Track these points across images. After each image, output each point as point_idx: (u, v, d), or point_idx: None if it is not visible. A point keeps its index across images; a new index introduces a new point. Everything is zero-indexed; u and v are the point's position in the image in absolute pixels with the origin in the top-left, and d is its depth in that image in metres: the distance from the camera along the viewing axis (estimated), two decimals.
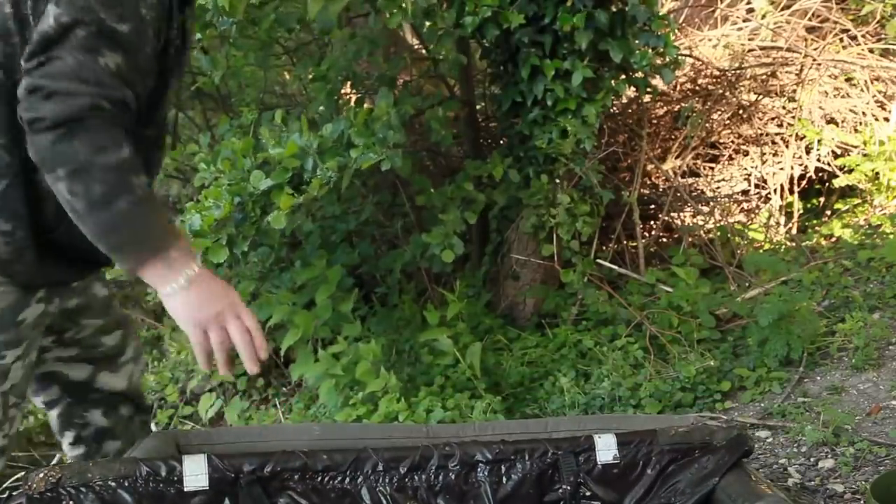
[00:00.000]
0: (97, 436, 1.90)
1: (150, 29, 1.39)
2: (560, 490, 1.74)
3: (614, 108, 4.04)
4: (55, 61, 1.30)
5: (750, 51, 4.68)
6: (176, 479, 1.58)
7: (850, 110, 4.48)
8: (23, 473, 1.57)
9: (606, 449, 1.75)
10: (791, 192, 4.40)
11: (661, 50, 3.11)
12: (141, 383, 1.96)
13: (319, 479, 1.66)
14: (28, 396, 1.74)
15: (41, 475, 1.52)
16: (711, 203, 4.35)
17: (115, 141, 1.32)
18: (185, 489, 1.58)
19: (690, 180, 4.49)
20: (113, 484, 1.54)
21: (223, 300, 1.41)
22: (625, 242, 3.87)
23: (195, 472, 1.59)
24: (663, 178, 4.32)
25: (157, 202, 1.40)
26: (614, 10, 3.01)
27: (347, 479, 1.68)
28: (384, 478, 1.69)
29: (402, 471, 1.70)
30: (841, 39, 4.60)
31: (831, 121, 4.49)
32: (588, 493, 1.74)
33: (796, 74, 4.47)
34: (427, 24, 3.25)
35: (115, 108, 1.33)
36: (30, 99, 1.30)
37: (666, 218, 4.17)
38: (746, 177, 4.51)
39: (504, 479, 1.73)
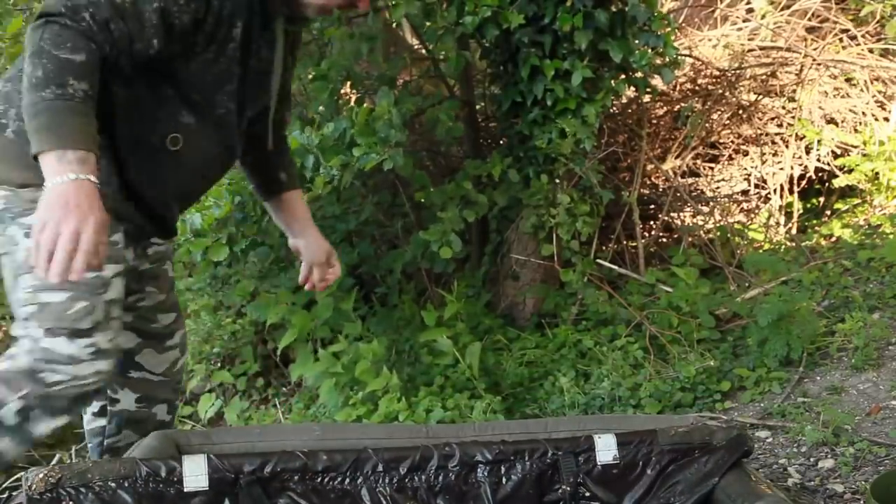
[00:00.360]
0: (122, 420, 1.97)
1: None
2: (560, 490, 1.74)
3: (614, 108, 4.04)
4: None
5: (750, 51, 4.68)
6: (176, 479, 1.58)
7: (850, 110, 4.48)
8: (23, 473, 1.57)
9: (606, 449, 1.75)
10: (791, 192, 4.40)
11: (661, 50, 3.11)
12: (181, 377, 2.08)
13: (319, 479, 1.67)
14: None
15: (41, 475, 1.52)
16: (711, 203, 4.36)
17: (74, 45, 1.46)
18: (185, 489, 1.58)
19: (690, 180, 4.49)
20: (113, 484, 1.54)
21: (78, 210, 1.41)
22: (625, 242, 3.87)
23: (195, 473, 1.59)
24: (663, 178, 4.32)
25: (87, 111, 1.48)
26: (614, 9, 3.01)
27: (347, 480, 1.68)
28: (384, 478, 1.69)
29: (401, 471, 1.70)
30: (841, 39, 4.61)
31: (831, 121, 4.49)
32: (588, 494, 1.74)
33: (796, 74, 4.47)
34: (427, 23, 3.25)
35: (94, 24, 1.49)
36: None
37: (666, 218, 4.17)
38: (746, 177, 4.51)
39: (504, 480, 1.73)
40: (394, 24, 3.62)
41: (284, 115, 2.11)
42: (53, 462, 3.22)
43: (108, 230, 1.48)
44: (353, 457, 1.68)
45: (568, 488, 1.74)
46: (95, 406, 1.97)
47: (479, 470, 1.73)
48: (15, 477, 3.14)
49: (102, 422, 1.98)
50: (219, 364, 3.70)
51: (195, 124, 1.73)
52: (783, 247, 4.12)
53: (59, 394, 1.65)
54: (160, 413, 2.01)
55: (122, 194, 1.72)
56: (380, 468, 1.69)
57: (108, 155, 1.67)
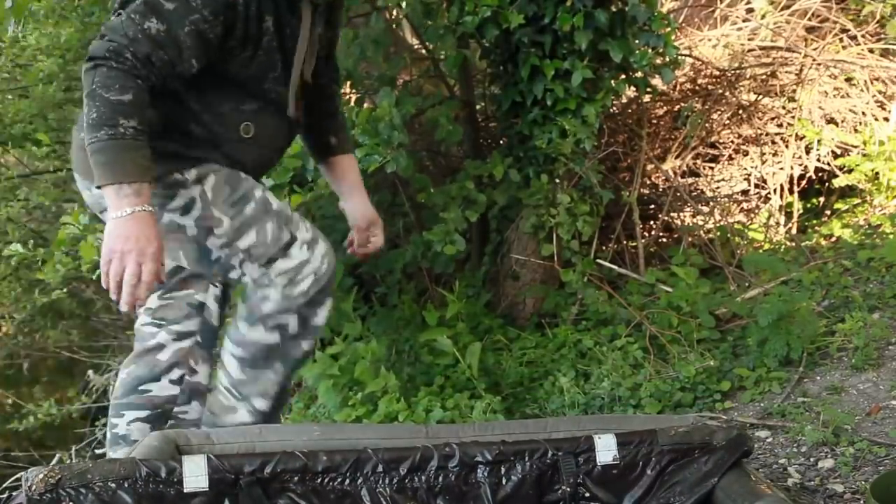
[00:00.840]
0: (194, 393, 2.09)
1: (196, 13, 1.72)
2: (560, 491, 1.74)
3: (614, 108, 4.04)
4: (116, 17, 1.73)
5: (750, 51, 4.68)
6: (176, 480, 1.58)
7: (850, 110, 4.48)
8: (23, 474, 1.57)
9: (606, 450, 1.75)
10: (791, 192, 4.40)
11: (661, 50, 3.11)
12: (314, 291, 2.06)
13: (319, 480, 1.67)
14: None
15: (41, 476, 1.52)
16: (711, 203, 4.36)
17: (122, 85, 1.66)
18: (185, 490, 1.58)
19: (690, 180, 4.49)
20: (113, 485, 1.54)
21: (137, 244, 1.66)
22: (625, 242, 3.87)
23: (195, 474, 1.59)
24: (663, 178, 4.32)
25: (139, 146, 1.68)
26: (614, 9, 3.01)
27: (347, 481, 1.68)
28: (384, 479, 1.69)
29: (401, 472, 1.70)
30: (841, 39, 4.60)
31: (831, 121, 4.49)
32: (587, 494, 1.74)
33: (796, 74, 4.47)
34: (428, 23, 3.25)
35: (137, 61, 1.68)
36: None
37: (666, 218, 4.17)
38: (746, 177, 4.51)
39: (504, 480, 1.73)
40: (394, 25, 3.62)
41: (330, 82, 2.20)
42: (53, 462, 3.23)
43: (163, 254, 1.71)
44: (353, 457, 1.68)
45: (568, 489, 1.74)
46: (175, 374, 2.07)
47: (479, 470, 1.73)
48: (15, 477, 3.15)
49: (175, 390, 2.06)
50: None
51: (258, 109, 1.92)
52: (783, 247, 4.11)
53: (316, 290, 1.98)
54: (296, 329, 2.11)
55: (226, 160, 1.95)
56: (380, 469, 1.69)
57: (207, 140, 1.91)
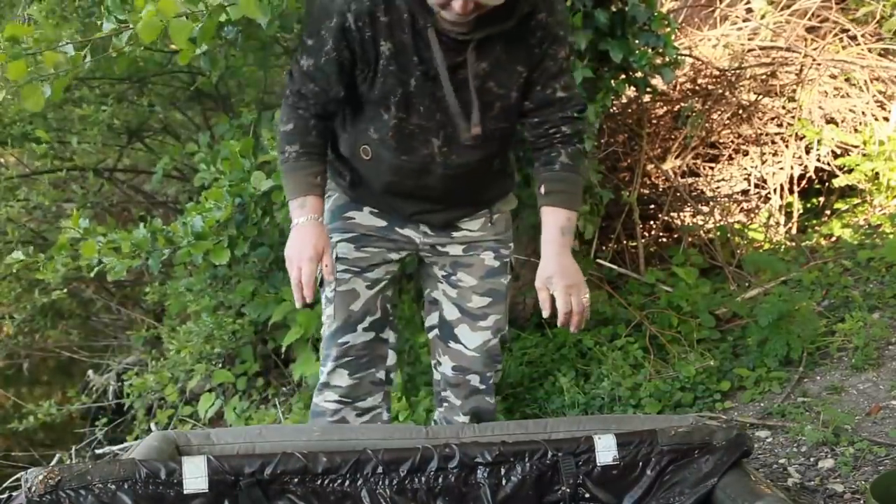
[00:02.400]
0: (444, 382, 2.25)
1: (328, 43, 1.90)
2: (559, 492, 1.74)
3: (614, 108, 4.04)
4: None
5: (750, 51, 4.68)
6: (175, 481, 1.58)
7: (850, 110, 4.48)
8: (23, 474, 1.57)
9: (606, 450, 1.75)
10: (791, 191, 4.40)
11: (661, 50, 3.10)
12: (495, 355, 2.22)
13: (319, 481, 1.67)
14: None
15: (41, 477, 1.52)
16: (711, 203, 4.36)
17: (287, 118, 1.99)
18: (185, 491, 1.58)
19: (690, 180, 4.49)
20: (113, 486, 1.55)
21: (299, 250, 1.92)
22: (625, 242, 3.87)
23: (195, 475, 1.59)
24: (663, 177, 4.32)
25: (300, 165, 1.97)
26: (614, 9, 3.01)
27: (347, 482, 1.68)
28: (384, 480, 1.69)
29: (401, 473, 1.70)
30: (841, 39, 4.60)
31: (831, 121, 4.49)
32: (587, 495, 1.74)
33: (796, 74, 4.47)
34: None
35: (295, 95, 1.98)
36: None
37: (666, 218, 4.17)
38: (746, 177, 4.51)
39: (504, 481, 1.73)
40: None
41: (550, 129, 2.04)
42: (53, 462, 3.23)
43: (326, 253, 1.94)
44: (353, 458, 1.68)
45: (567, 489, 1.74)
46: (434, 362, 2.28)
47: (478, 471, 1.73)
48: (15, 477, 3.15)
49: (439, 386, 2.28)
50: (219, 364, 3.70)
51: (378, 138, 2.00)
52: (783, 247, 4.12)
53: None
54: (473, 381, 2.21)
55: (357, 188, 2.14)
56: (380, 470, 1.69)
57: (343, 163, 2.14)
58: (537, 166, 2.08)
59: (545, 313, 1.99)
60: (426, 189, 2.08)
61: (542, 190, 2.05)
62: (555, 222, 2.02)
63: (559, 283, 1.97)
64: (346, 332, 2.12)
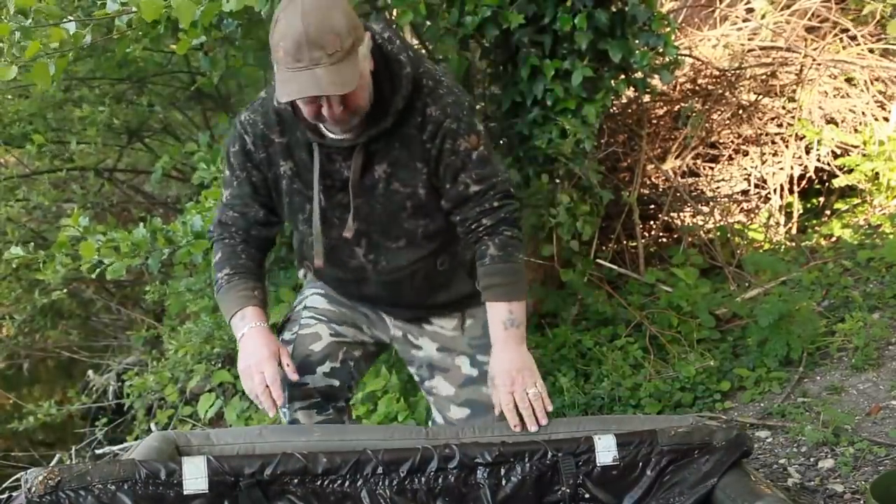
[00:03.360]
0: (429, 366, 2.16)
1: (236, 168, 1.98)
2: (559, 492, 1.74)
3: (614, 108, 4.04)
4: None
5: (750, 51, 4.68)
6: (175, 482, 1.58)
7: (850, 110, 4.48)
8: (22, 474, 1.57)
9: (606, 450, 1.75)
10: (791, 192, 4.39)
11: (661, 50, 3.10)
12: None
13: (319, 482, 1.66)
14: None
15: (40, 478, 1.52)
16: (711, 203, 4.35)
17: (214, 251, 2.04)
18: (185, 492, 1.58)
19: (690, 180, 4.48)
20: (112, 487, 1.54)
21: (253, 355, 1.89)
22: (625, 242, 3.86)
23: (195, 476, 1.59)
24: (663, 178, 4.31)
25: (233, 286, 1.97)
26: (614, 10, 3.01)
27: (347, 483, 1.68)
28: (384, 480, 1.69)
29: (401, 473, 1.69)
30: (841, 39, 4.60)
31: (831, 121, 4.49)
32: (587, 496, 1.74)
33: (796, 74, 4.47)
34: (428, 23, 3.24)
35: (217, 228, 2.05)
36: None
37: (666, 218, 4.17)
38: (746, 177, 4.50)
39: (503, 482, 1.73)
40: (393, 26, 3.60)
41: (422, 222, 1.98)
42: (53, 462, 3.22)
43: (283, 353, 1.92)
44: (353, 459, 1.68)
45: (567, 490, 1.74)
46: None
47: (478, 471, 1.73)
48: (15, 477, 3.14)
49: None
50: (219, 364, 3.70)
51: (309, 253, 2.02)
52: (783, 247, 4.11)
53: None
54: (464, 366, 2.12)
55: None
56: (380, 470, 1.68)
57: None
58: (476, 260, 1.98)
59: (495, 412, 1.92)
60: (371, 297, 2.08)
61: (479, 285, 1.97)
62: (495, 317, 1.93)
63: (499, 382, 1.89)
64: (304, 373, 2.01)
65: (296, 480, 1.65)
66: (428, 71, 1.91)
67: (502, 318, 1.92)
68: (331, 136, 1.88)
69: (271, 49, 1.74)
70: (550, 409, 1.88)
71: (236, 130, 1.97)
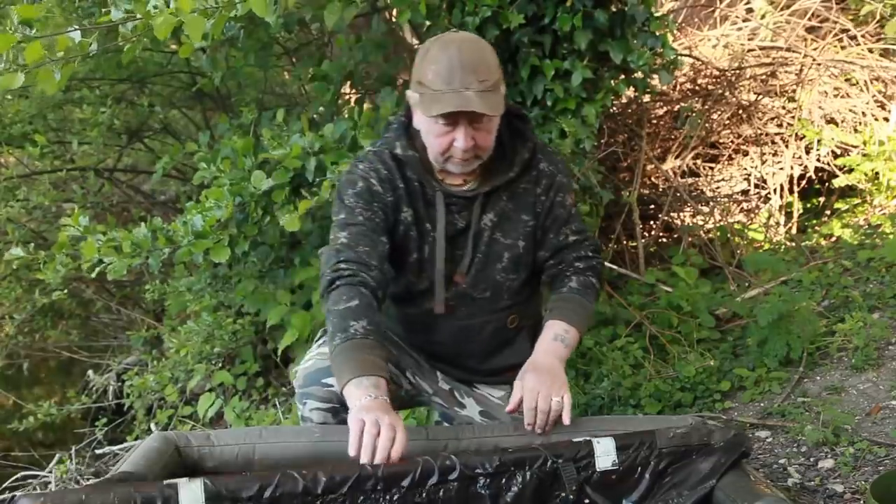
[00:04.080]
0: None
1: (358, 206, 1.93)
2: (559, 499, 1.74)
3: (614, 108, 4.04)
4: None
5: (749, 51, 4.68)
6: None
7: (850, 110, 4.49)
8: (22, 474, 1.56)
9: (605, 454, 1.75)
10: (791, 192, 4.40)
11: (660, 50, 3.11)
12: None
13: (319, 502, 1.62)
14: None
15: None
16: (711, 203, 4.36)
17: (346, 296, 1.81)
18: None
19: (690, 180, 4.49)
20: None
21: (381, 415, 1.66)
22: (625, 242, 3.87)
23: (191, 500, 1.52)
24: (663, 178, 4.32)
25: (370, 345, 1.77)
26: (614, 10, 3.01)
27: (348, 501, 1.64)
28: (384, 496, 1.65)
29: (402, 488, 1.66)
30: (841, 39, 4.61)
31: (831, 121, 4.49)
32: (587, 500, 1.74)
33: (796, 74, 4.47)
34: (428, 24, 3.24)
35: (345, 269, 1.84)
36: None
37: (666, 218, 4.17)
38: (746, 177, 4.51)
39: (505, 491, 1.72)
40: (393, 25, 3.61)
41: (511, 276, 2.02)
42: (53, 463, 3.22)
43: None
44: (353, 475, 1.64)
45: (568, 495, 1.74)
46: None
47: (479, 481, 1.72)
48: (15, 477, 3.15)
49: None
50: (219, 364, 3.70)
51: (402, 294, 2.04)
52: (783, 247, 4.12)
53: None
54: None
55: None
56: (380, 486, 1.64)
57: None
58: (553, 290, 2.05)
59: (507, 408, 1.88)
60: (436, 345, 2.08)
61: (547, 309, 2.02)
62: (549, 329, 1.94)
63: (530, 379, 1.86)
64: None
65: (295, 502, 1.62)
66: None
67: (556, 330, 1.94)
68: (450, 188, 1.96)
69: (414, 74, 1.85)
70: (566, 423, 1.85)
71: (356, 175, 1.97)
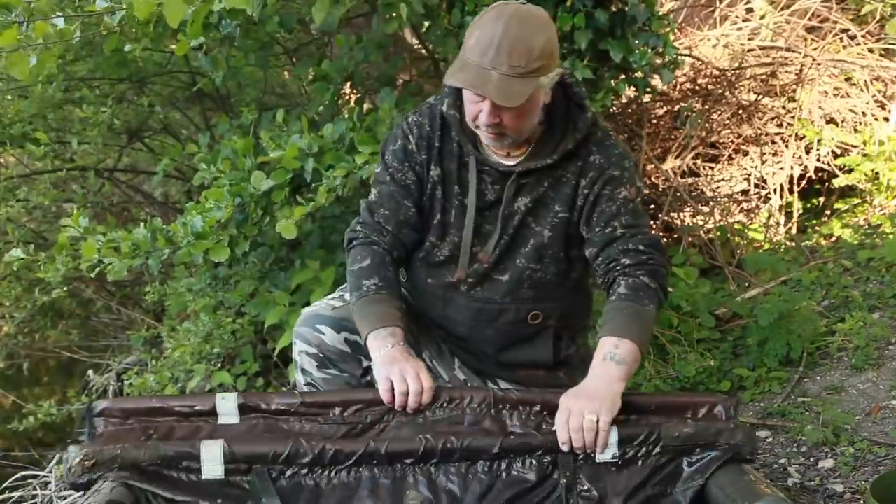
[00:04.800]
0: None
1: (392, 165, 1.99)
2: (558, 486, 1.74)
3: (614, 108, 4.04)
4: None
5: (750, 51, 4.68)
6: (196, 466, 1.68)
7: (850, 110, 4.48)
8: (22, 473, 1.59)
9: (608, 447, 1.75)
10: (791, 191, 4.40)
11: (661, 50, 3.11)
12: None
13: (328, 471, 1.74)
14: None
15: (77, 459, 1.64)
16: (711, 203, 4.36)
17: (361, 255, 1.96)
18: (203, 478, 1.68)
19: (690, 180, 4.49)
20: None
21: (405, 363, 1.81)
22: None
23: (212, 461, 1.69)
24: (663, 177, 4.32)
25: (382, 298, 1.89)
26: (614, 10, 3.01)
27: (353, 473, 1.74)
28: (386, 472, 1.73)
29: (404, 464, 1.73)
30: (841, 39, 4.60)
31: (831, 121, 4.49)
32: (585, 488, 1.74)
33: (796, 74, 4.47)
34: (427, 24, 3.24)
35: (366, 229, 1.99)
36: None
37: (666, 218, 4.17)
38: (746, 177, 4.51)
39: (503, 475, 1.74)
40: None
41: (532, 266, 1.97)
42: (52, 463, 3.22)
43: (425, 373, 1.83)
44: (360, 449, 1.72)
45: (565, 482, 1.74)
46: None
47: (478, 465, 1.75)
48: (15, 477, 3.15)
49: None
50: (219, 364, 3.69)
51: (421, 259, 2.03)
52: (783, 247, 4.12)
53: None
54: None
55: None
56: (384, 462, 1.73)
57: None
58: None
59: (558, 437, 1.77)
60: (451, 321, 2.04)
61: (598, 323, 1.94)
62: (600, 350, 1.83)
63: (567, 401, 1.76)
64: (358, 354, 1.99)
65: (304, 471, 1.72)
66: (603, 126, 1.99)
67: (605, 350, 1.81)
68: (490, 156, 1.93)
69: (467, 31, 1.82)
70: (599, 450, 1.74)
71: (400, 130, 2.00)
